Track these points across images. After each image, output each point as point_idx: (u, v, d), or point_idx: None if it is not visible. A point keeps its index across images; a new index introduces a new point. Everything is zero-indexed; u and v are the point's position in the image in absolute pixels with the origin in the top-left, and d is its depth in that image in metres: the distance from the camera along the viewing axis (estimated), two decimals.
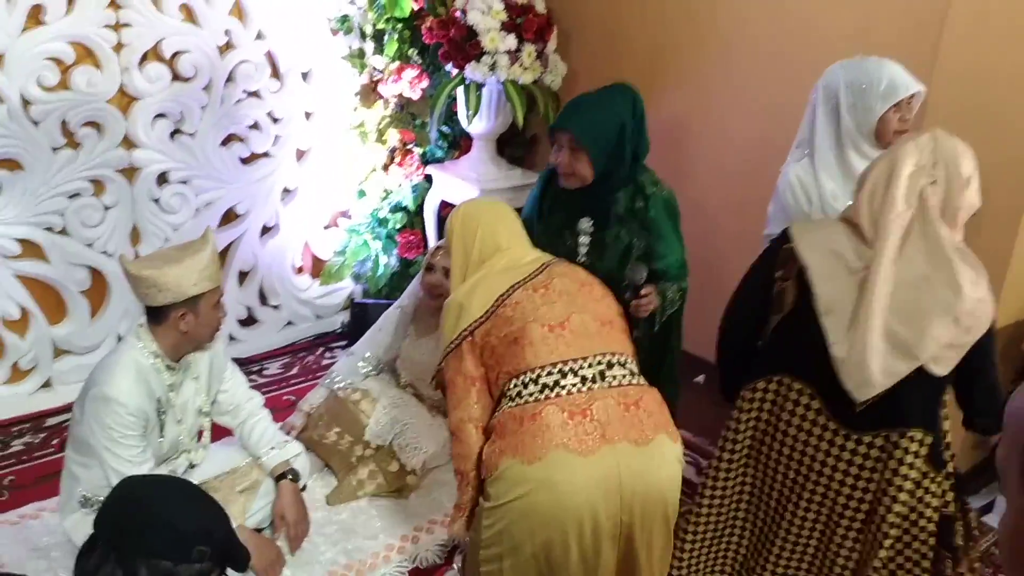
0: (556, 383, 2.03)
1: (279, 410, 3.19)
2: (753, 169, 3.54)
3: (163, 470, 2.53)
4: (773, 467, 2.14)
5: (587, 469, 1.96)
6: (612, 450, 1.98)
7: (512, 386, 2.08)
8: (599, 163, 2.46)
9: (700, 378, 3.71)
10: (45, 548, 2.65)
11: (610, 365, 2.08)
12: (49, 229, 3.32)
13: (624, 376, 2.09)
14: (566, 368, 2.05)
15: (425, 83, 3.95)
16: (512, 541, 2.04)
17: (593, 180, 2.49)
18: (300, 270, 4.15)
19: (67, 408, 2.65)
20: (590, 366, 2.06)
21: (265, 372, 3.90)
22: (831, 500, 2.06)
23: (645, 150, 2.58)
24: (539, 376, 2.05)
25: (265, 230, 3.95)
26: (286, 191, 3.95)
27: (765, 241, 2.60)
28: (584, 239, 2.59)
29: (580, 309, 2.15)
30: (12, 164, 3.17)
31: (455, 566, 2.74)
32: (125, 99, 3.36)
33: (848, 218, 2.04)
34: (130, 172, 3.45)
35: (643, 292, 2.38)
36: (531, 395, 2.04)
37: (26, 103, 3.13)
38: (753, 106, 3.60)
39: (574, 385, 2.03)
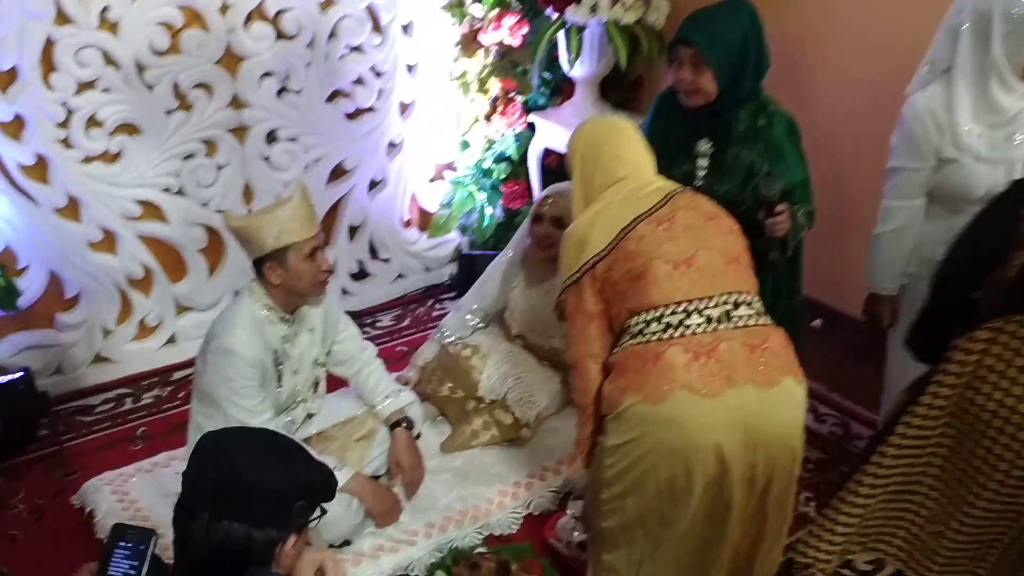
0: (680, 322, 1.98)
1: (392, 361, 3.24)
2: (878, 96, 3.36)
3: (282, 420, 2.61)
4: (986, 422, 1.86)
5: (711, 410, 1.92)
6: (737, 392, 1.93)
7: (634, 323, 2.03)
8: (723, 76, 2.39)
9: (817, 322, 3.59)
10: (176, 494, 2.76)
11: (736, 305, 2.01)
12: (167, 190, 3.43)
13: (750, 316, 2.02)
14: (691, 308, 1.99)
15: (525, 29, 3.89)
16: (635, 479, 2.02)
17: (716, 96, 2.41)
18: (408, 223, 4.18)
19: (191, 362, 2.75)
20: (716, 306, 2.00)
21: (378, 324, 3.97)
22: None
23: (766, 64, 2.49)
24: (663, 315, 1.99)
25: (373, 184, 3.99)
26: (391, 145, 3.97)
27: (889, 176, 2.48)
28: (703, 161, 2.51)
29: (706, 245, 2.06)
30: (131, 129, 3.28)
31: (569, 512, 2.74)
32: (233, 59, 3.42)
33: None
34: (240, 131, 3.53)
35: (777, 209, 2.29)
36: (654, 334, 1.99)
37: (140, 68, 3.22)
38: (880, 26, 3.39)
39: (699, 325, 1.97)
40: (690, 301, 1.99)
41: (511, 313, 3.23)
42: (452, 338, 3.24)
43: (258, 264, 2.43)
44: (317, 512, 1.50)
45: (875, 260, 2.55)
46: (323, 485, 1.50)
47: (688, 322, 1.97)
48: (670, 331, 1.98)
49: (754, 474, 1.99)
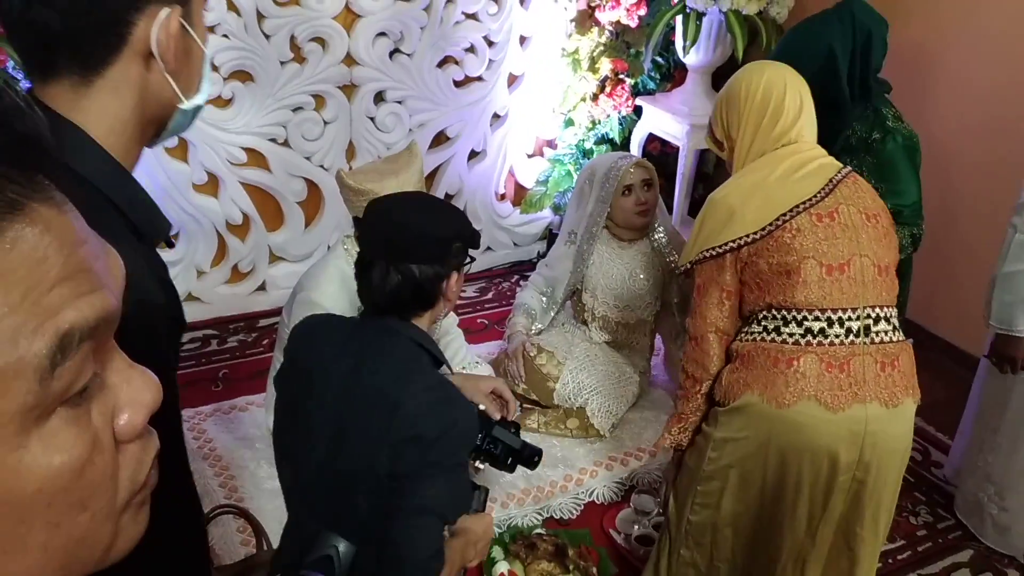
0: (821, 330, 1.91)
1: (472, 332, 3.25)
2: (1005, 115, 3.21)
3: None
4: None
5: (835, 422, 1.89)
6: (863, 408, 1.89)
7: (770, 317, 1.96)
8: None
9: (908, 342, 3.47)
10: (251, 439, 2.84)
11: (876, 320, 1.94)
12: (273, 140, 3.49)
13: (888, 332, 1.96)
14: (834, 317, 1.92)
15: (643, 11, 3.83)
16: (740, 475, 1.99)
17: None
18: (503, 197, 4.18)
19: (278, 311, 2.81)
20: (858, 318, 1.93)
21: (462, 294, 3.98)
22: None
23: (872, 72, 2.41)
24: (804, 318, 1.92)
25: (472, 155, 3.99)
26: (496, 116, 3.96)
27: (1021, 211, 2.34)
28: None
29: (862, 250, 1.95)
30: (244, 76, 3.34)
31: (632, 505, 2.72)
32: (350, 16, 3.45)
33: None
34: (349, 89, 3.56)
35: None
36: (791, 335, 1.93)
37: (260, 17, 3.28)
38: (1016, 37, 3.24)
39: (837, 336, 1.91)
40: (834, 310, 1.92)
41: (591, 292, 3.14)
42: (527, 330, 3.17)
43: None
44: (468, 256, 1.75)
45: (1007, 300, 2.42)
46: (472, 231, 1.75)
47: (828, 331, 1.91)
48: (808, 337, 1.91)
49: (860, 488, 1.97)
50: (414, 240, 1.65)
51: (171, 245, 1.07)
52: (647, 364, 3.22)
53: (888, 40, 2.52)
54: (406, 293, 1.64)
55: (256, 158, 3.50)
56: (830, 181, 1.98)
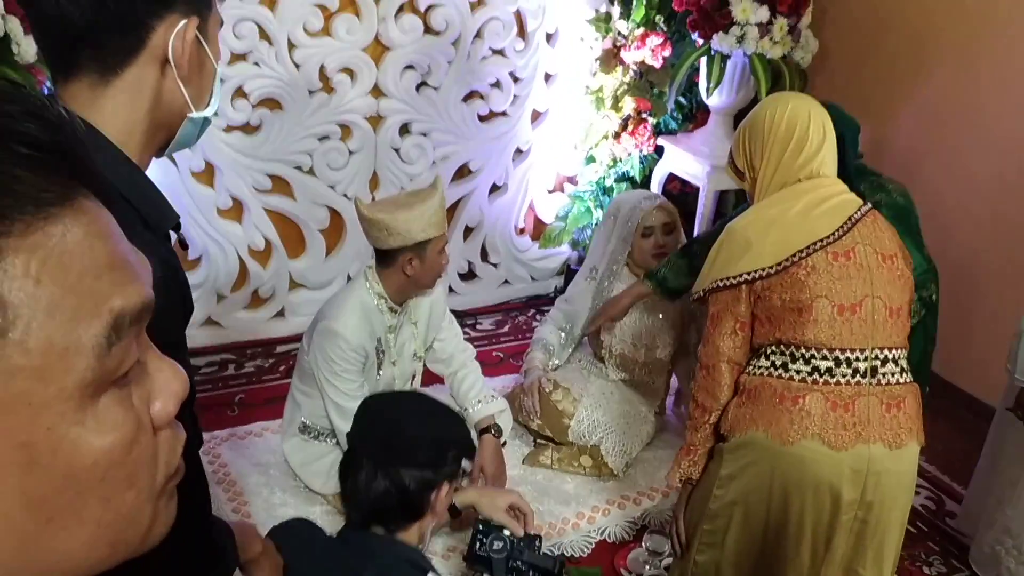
0: (828, 370, 1.92)
1: (488, 365, 3.25)
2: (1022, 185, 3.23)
3: None
4: None
5: (838, 461, 1.90)
6: (866, 449, 1.90)
7: (778, 353, 1.97)
8: None
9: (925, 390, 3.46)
10: (265, 465, 2.85)
11: (884, 361, 1.95)
12: (298, 168, 3.52)
13: (895, 374, 1.97)
14: (842, 357, 1.93)
15: (668, 52, 3.86)
16: (744, 512, 2.00)
17: None
18: (522, 231, 4.20)
19: (296, 338, 2.83)
20: (866, 359, 1.94)
21: (478, 327, 4.00)
22: None
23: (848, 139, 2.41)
24: (812, 356, 1.93)
25: (494, 188, 4.02)
26: (518, 151, 4.00)
27: None
28: None
29: (875, 292, 1.96)
30: (273, 104, 3.39)
31: (644, 545, 2.70)
32: (379, 48, 3.50)
33: None
34: (375, 120, 3.60)
35: None
36: (798, 372, 1.94)
37: (292, 46, 3.33)
38: None
39: (844, 376, 1.92)
40: (843, 350, 1.93)
41: (609, 330, 3.14)
42: (546, 365, 3.17)
43: (389, 254, 2.46)
44: (465, 464, 1.68)
45: None
46: (469, 440, 1.69)
47: (835, 371, 1.92)
48: (815, 375, 1.93)
49: (863, 528, 1.97)
50: (408, 442, 1.56)
51: (178, 228, 1.10)
52: (662, 404, 3.22)
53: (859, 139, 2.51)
54: (392, 501, 1.53)
55: (281, 185, 3.53)
56: (849, 219, 1.98)
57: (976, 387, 3.54)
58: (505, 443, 2.83)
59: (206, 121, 1.13)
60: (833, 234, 1.96)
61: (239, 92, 3.31)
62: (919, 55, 3.63)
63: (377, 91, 3.55)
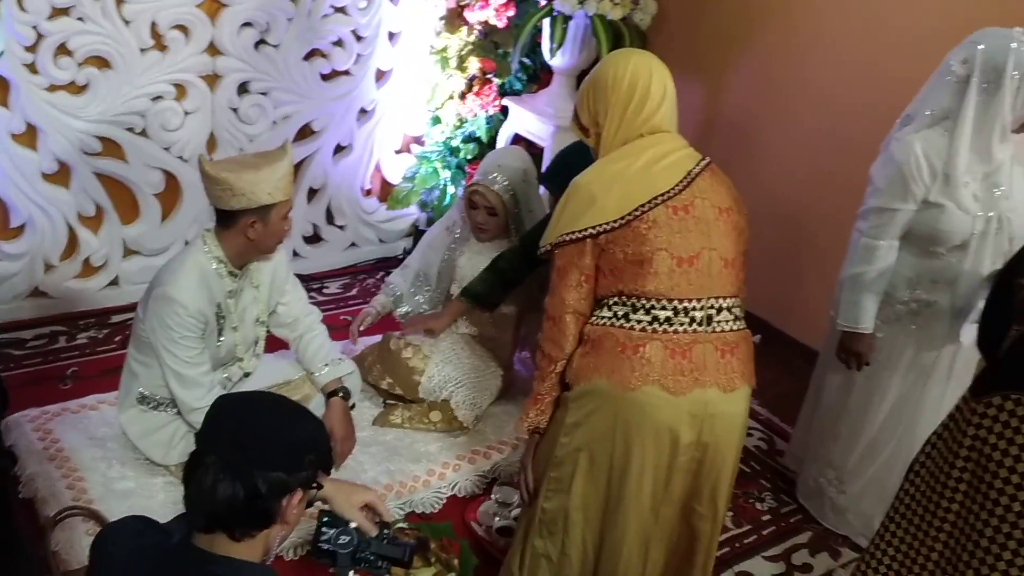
0: (667, 319, 2.00)
1: (336, 329, 3.21)
2: (850, 136, 3.43)
3: (218, 375, 2.59)
4: (995, 498, 1.81)
5: (676, 405, 1.99)
6: (702, 393, 1.99)
7: (620, 303, 2.04)
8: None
9: (757, 337, 3.65)
10: (102, 438, 2.74)
11: (719, 310, 2.05)
12: (130, 129, 3.37)
13: (729, 321, 2.06)
14: (680, 307, 2.01)
15: (512, 12, 3.89)
16: (588, 458, 2.06)
17: None
18: (368, 192, 4.16)
19: (132, 307, 2.71)
20: (702, 309, 2.02)
21: (325, 291, 3.95)
22: None
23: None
24: (652, 307, 2.01)
25: (338, 149, 3.96)
26: (363, 111, 3.95)
27: (872, 216, 2.50)
28: None
29: (712, 244, 2.04)
30: (101, 62, 3.22)
31: (493, 497, 2.77)
32: (214, 5, 3.37)
33: None
34: (212, 79, 3.48)
35: None
36: (639, 322, 2.01)
37: (120, 1, 3.16)
38: (845, 65, 3.47)
39: (681, 325, 2.00)
40: (680, 300, 2.01)
41: (459, 283, 3.14)
42: (400, 309, 3.21)
43: (230, 215, 2.38)
44: (321, 476, 1.55)
45: (854, 300, 2.57)
46: (328, 446, 1.56)
47: (674, 320, 2.00)
48: (655, 325, 2.00)
49: (700, 467, 2.07)
50: (264, 442, 1.43)
51: None
52: (511, 359, 3.27)
53: None
54: (241, 505, 1.40)
55: (111, 147, 3.37)
56: (688, 174, 2.06)
57: (804, 334, 3.77)
58: (354, 405, 2.82)
59: None
60: (673, 188, 2.03)
61: (62, 49, 3.13)
62: (749, 17, 3.79)
63: (213, 49, 3.42)
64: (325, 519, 1.64)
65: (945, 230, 2.43)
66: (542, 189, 3.19)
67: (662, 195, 2.02)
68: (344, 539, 1.61)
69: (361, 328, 3.10)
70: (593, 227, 2.02)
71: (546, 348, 2.13)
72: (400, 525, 2.57)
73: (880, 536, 2.12)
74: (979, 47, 2.32)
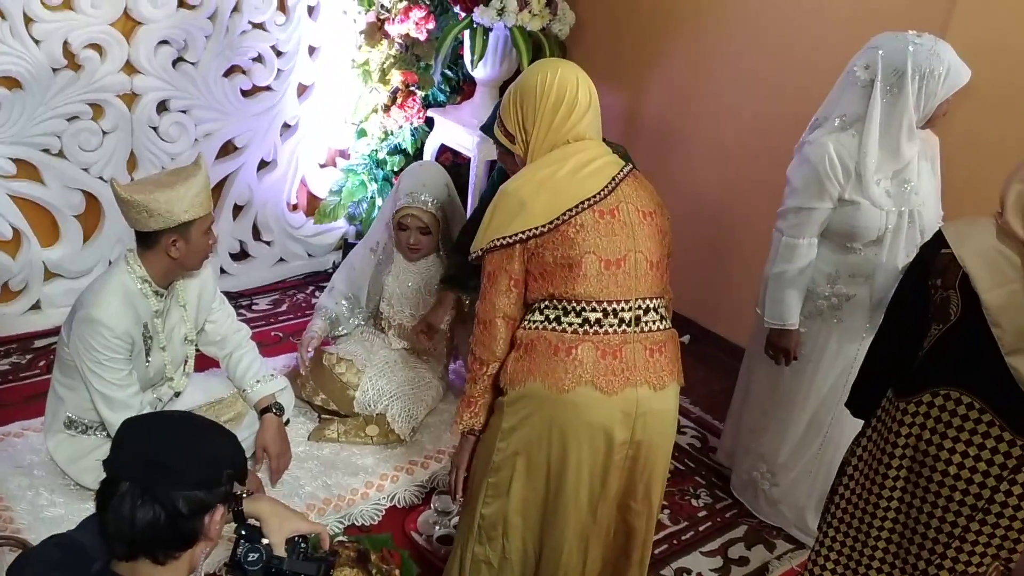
0: (597, 321, 2.04)
1: (266, 345, 3.21)
2: (763, 143, 3.53)
3: (148, 396, 2.56)
4: (936, 491, 1.95)
5: (609, 405, 2.03)
6: (634, 392, 2.04)
7: (552, 307, 2.07)
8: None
9: (686, 338, 3.74)
10: (28, 466, 2.67)
11: (646, 311, 2.10)
12: (46, 151, 3.30)
13: (655, 321, 2.11)
14: (609, 308, 2.05)
15: (432, 25, 3.91)
16: (525, 462, 2.09)
17: None
18: (295, 207, 4.14)
19: (55, 331, 2.66)
20: (630, 310, 2.07)
21: (255, 307, 3.92)
22: (1018, 525, 1.89)
23: None
24: (583, 309, 2.04)
25: (263, 165, 3.94)
26: (286, 126, 3.93)
27: (790, 215, 2.58)
28: None
29: (637, 246, 2.08)
30: (11, 82, 3.15)
31: (432, 506, 2.78)
32: (129, 23, 3.33)
33: (997, 215, 1.90)
34: (130, 98, 3.43)
35: None
36: (570, 325, 2.05)
37: (28, 20, 3.10)
38: (750, 77, 3.57)
39: (611, 326, 2.05)
40: (610, 302, 2.05)
41: (387, 301, 3.18)
42: (330, 332, 3.19)
43: (151, 236, 2.35)
44: (239, 489, 1.53)
45: (778, 297, 2.64)
46: (244, 461, 1.54)
47: (604, 322, 2.04)
48: (586, 327, 2.04)
49: (634, 465, 2.12)
50: (180, 461, 1.41)
51: None
52: (445, 370, 3.29)
53: None
54: (163, 529, 1.37)
55: (27, 169, 3.29)
56: (613, 179, 2.10)
57: (732, 332, 3.86)
58: (288, 421, 2.80)
59: None
60: (599, 193, 2.08)
61: None
62: (663, 30, 3.88)
63: (130, 68, 3.38)
64: (242, 532, 1.61)
65: (861, 226, 2.52)
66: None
67: (589, 200, 2.06)
68: (253, 556, 1.58)
69: (309, 353, 3.06)
70: (522, 232, 2.05)
71: (477, 351, 2.16)
72: (340, 539, 2.56)
73: (820, 542, 2.21)
74: (879, 52, 2.43)
